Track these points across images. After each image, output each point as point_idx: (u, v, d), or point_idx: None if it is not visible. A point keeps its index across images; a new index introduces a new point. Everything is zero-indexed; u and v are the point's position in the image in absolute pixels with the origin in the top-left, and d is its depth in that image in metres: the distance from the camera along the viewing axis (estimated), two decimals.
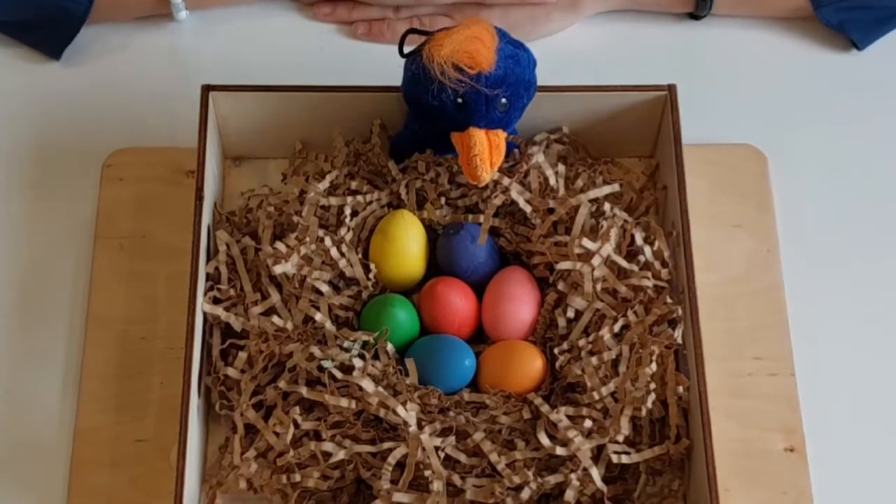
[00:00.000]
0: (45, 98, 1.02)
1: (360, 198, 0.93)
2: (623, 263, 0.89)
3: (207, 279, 0.90)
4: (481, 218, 0.92)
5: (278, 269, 0.89)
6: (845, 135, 1.02)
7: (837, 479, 0.89)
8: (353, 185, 0.94)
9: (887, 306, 0.96)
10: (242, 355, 0.88)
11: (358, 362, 0.86)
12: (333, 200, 0.93)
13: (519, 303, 0.90)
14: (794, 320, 0.93)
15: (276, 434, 0.86)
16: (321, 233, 0.91)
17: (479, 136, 0.88)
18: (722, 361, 0.90)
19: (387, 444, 0.85)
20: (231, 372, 0.88)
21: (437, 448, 0.85)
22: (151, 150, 0.97)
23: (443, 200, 0.93)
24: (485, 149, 0.88)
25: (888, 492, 0.90)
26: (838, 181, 1.00)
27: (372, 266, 0.91)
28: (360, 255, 0.91)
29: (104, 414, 0.90)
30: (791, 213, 0.98)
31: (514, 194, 0.92)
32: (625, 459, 0.85)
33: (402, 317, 0.89)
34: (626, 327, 0.88)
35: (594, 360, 0.87)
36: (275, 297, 0.90)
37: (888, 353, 0.94)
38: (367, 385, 0.86)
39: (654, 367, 0.86)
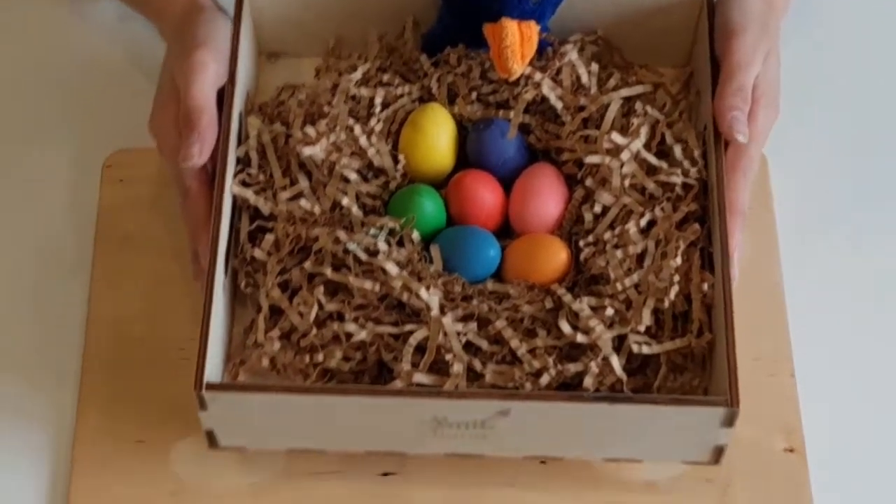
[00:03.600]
0: (44, 97, 1.01)
1: (391, 90, 0.93)
2: (652, 160, 0.89)
3: (238, 163, 0.91)
4: (512, 114, 0.92)
5: (307, 151, 0.89)
6: (846, 135, 1.01)
7: (837, 479, 0.88)
8: (385, 77, 0.94)
9: (887, 307, 0.95)
10: (269, 237, 0.89)
11: (383, 246, 0.87)
12: (364, 91, 0.93)
13: (546, 197, 0.90)
14: (793, 320, 0.92)
15: (301, 315, 0.87)
16: (351, 121, 0.91)
17: (511, 27, 0.88)
18: None
19: (409, 327, 0.85)
20: (258, 254, 0.89)
21: (458, 333, 0.85)
22: (152, 151, 0.95)
23: (474, 95, 0.93)
24: (516, 40, 0.89)
25: (888, 492, 0.89)
26: (838, 181, 0.99)
27: (401, 157, 0.91)
28: (389, 147, 0.92)
29: (104, 414, 0.89)
30: (791, 213, 0.97)
31: (545, 90, 0.92)
32: (645, 350, 0.85)
33: (429, 207, 0.89)
34: (652, 223, 0.88)
35: (619, 253, 0.87)
36: (303, 184, 0.90)
37: (888, 354, 0.93)
38: (391, 268, 0.86)
39: (678, 260, 0.86)
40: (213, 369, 0.84)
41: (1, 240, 0.96)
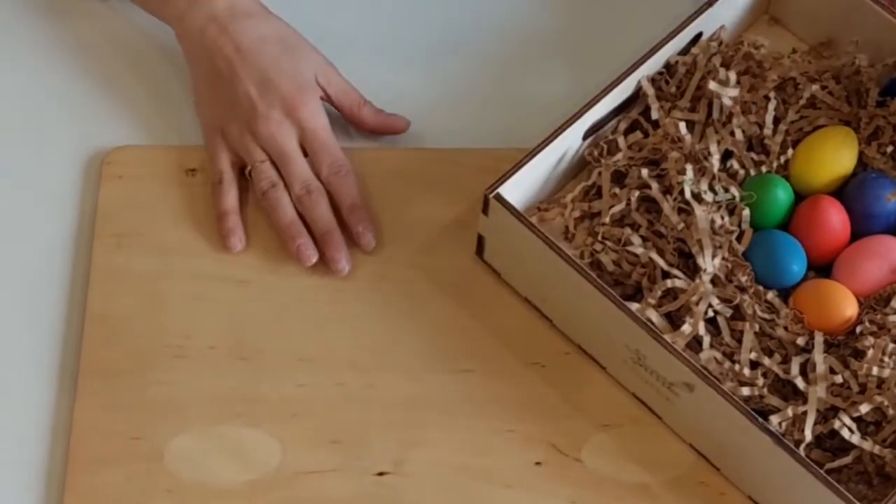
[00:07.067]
0: (44, 94, 1.01)
1: (822, 94, 0.95)
2: None
3: (665, 66, 0.96)
4: None
5: (713, 87, 0.94)
6: None
7: None
8: (826, 84, 0.96)
9: None
10: (633, 137, 0.95)
11: (708, 199, 0.91)
12: (800, 79, 0.96)
13: (881, 266, 0.90)
14: None
15: (610, 205, 0.92)
16: (773, 94, 0.95)
17: None
18: None
19: (676, 272, 0.89)
20: (620, 141, 0.95)
21: (710, 306, 0.88)
22: (152, 149, 0.98)
23: (889, 149, 0.94)
24: None
25: None
26: None
27: (790, 151, 0.94)
28: (788, 138, 0.94)
29: (100, 412, 0.89)
30: None
31: None
32: (844, 433, 0.84)
33: (780, 199, 0.91)
34: None
35: (891, 346, 0.86)
36: (697, 116, 0.95)
37: None
38: (701, 218, 0.90)
39: None
40: (514, 193, 0.92)
41: (0, 238, 0.96)
